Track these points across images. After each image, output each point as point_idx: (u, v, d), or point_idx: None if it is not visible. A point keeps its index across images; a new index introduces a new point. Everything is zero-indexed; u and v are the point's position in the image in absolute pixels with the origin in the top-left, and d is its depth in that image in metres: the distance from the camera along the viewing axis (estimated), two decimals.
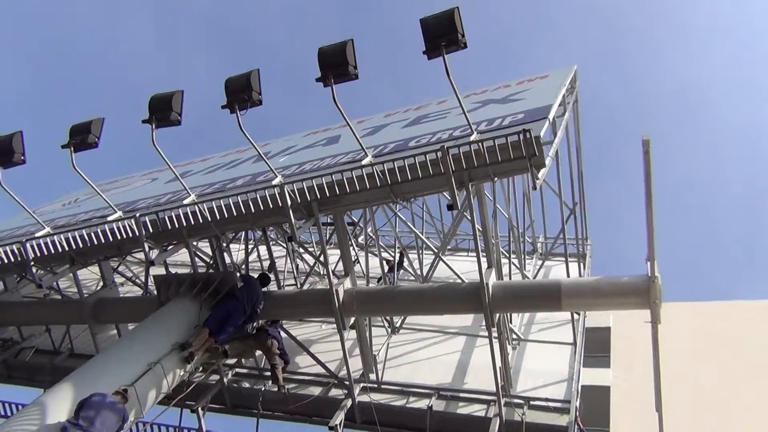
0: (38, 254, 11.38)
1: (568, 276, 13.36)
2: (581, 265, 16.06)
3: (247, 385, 12.56)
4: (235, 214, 10.09)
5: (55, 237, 11.43)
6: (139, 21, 59.50)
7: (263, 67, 9.34)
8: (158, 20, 60.77)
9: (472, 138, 9.03)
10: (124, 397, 8.42)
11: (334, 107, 8.99)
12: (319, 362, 11.96)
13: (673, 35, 54.84)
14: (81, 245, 11.19)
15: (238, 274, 11.56)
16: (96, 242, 11.08)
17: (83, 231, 11.20)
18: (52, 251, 11.35)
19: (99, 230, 11.11)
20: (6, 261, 11.70)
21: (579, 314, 12.81)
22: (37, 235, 11.88)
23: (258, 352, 11.95)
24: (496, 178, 9.25)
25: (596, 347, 18.82)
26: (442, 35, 8.17)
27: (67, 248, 11.29)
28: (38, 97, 59.27)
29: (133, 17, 59.58)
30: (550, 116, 9.55)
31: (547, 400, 10.67)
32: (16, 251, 11.52)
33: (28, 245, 11.29)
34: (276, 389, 11.52)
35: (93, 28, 59.68)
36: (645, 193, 8.26)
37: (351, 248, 12.78)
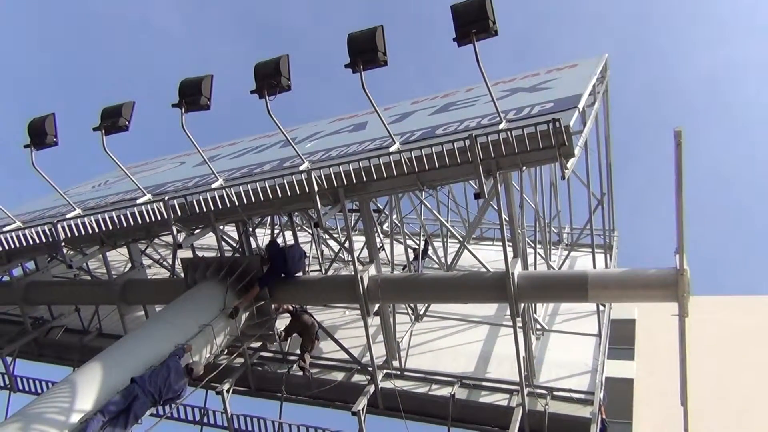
0: (69, 235, 11.60)
1: (595, 267, 13.23)
2: (608, 256, 15.87)
3: (271, 368, 12.68)
4: (262, 198, 10.17)
5: (86, 218, 11.64)
6: (168, 5, 59.92)
7: (292, 53, 9.36)
8: (186, 5, 61.15)
9: (500, 126, 8.95)
10: (189, 374, 9.07)
11: (360, 94, 8.96)
12: (342, 348, 12.02)
13: (702, 21, 53.76)
14: (111, 227, 11.39)
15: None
16: (125, 224, 11.25)
17: (113, 213, 11.39)
18: (83, 232, 11.57)
19: (128, 213, 11.27)
20: (38, 241, 11.95)
21: (604, 306, 12.70)
22: (68, 216, 12.09)
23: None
24: (524, 168, 9.16)
25: (620, 339, 18.71)
26: (472, 22, 8.10)
27: (97, 230, 11.51)
28: (67, 79, 60.01)
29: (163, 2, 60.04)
30: (580, 106, 9.43)
31: (570, 391, 10.61)
32: (48, 232, 11.76)
33: (59, 226, 11.51)
34: (300, 373, 11.64)
35: (121, 12, 60.18)
36: (675, 185, 8.14)
37: (376, 235, 12.80)
